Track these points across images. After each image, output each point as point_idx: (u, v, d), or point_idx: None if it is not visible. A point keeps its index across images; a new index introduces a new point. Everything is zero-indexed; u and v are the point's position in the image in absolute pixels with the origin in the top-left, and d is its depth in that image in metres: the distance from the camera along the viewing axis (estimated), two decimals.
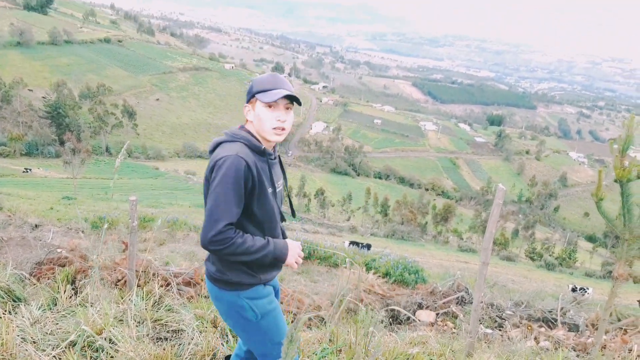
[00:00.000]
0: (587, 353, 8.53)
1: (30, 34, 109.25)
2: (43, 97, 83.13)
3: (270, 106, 2.07)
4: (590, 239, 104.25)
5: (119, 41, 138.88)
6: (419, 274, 14.59)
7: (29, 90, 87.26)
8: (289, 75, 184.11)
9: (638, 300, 22.61)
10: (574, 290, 23.61)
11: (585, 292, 22.91)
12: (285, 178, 2.34)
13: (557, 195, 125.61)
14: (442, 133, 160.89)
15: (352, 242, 21.09)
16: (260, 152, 2.09)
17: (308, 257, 15.00)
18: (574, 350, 8.80)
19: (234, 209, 1.95)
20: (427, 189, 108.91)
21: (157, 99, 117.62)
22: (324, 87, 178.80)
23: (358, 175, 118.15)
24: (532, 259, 71.18)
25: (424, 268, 17.40)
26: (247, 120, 2.19)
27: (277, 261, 2.09)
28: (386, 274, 14.83)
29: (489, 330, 9.00)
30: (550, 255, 72.51)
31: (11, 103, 79.98)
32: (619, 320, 10.86)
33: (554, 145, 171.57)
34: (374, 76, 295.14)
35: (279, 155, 2.30)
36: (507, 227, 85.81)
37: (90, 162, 76.03)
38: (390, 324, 10.64)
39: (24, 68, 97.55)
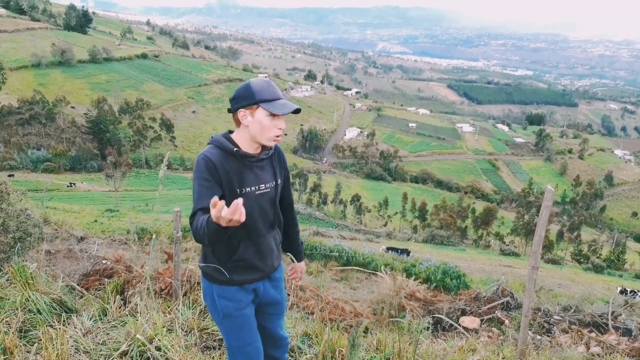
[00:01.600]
0: None
1: (71, 53, 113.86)
2: (85, 114, 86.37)
3: (273, 116, 2.12)
4: (639, 239, 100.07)
5: (156, 56, 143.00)
6: (461, 279, 14.28)
7: (72, 107, 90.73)
8: (322, 82, 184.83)
9: None
10: (623, 292, 22.62)
11: (636, 294, 21.94)
12: (278, 180, 2.32)
13: (602, 195, 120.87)
14: (480, 134, 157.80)
15: (390, 248, 20.86)
16: (231, 153, 2.14)
17: (348, 263, 14.94)
18: (628, 356, 8.43)
19: (199, 201, 2.01)
20: (466, 192, 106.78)
21: (194, 111, 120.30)
22: (356, 92, 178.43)
23: (394, 180, 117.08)
24: (578, 261, 68.73)
25: (465, 273, 17.05)
26: (239, 125, 2.20)
27: (215, 226, 1.79)
28: (427, 280, 14.58)
29: (537, 336, 8.72)
30: (597, 257, 69.81)
31: (55, 120, 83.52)
32: None
33: (598, 143, 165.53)
34: (408, 79, 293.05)
35: (271, 157, 2.31)
36: (551, 229, 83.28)
37: (131, 175, 78.23)
38: (434, 331, 10.47)
39: (66, 86, 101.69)
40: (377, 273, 14.94)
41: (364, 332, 7.95)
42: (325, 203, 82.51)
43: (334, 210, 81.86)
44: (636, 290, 22.52)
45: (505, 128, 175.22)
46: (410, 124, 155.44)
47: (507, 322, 10.14)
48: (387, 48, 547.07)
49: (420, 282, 14.41)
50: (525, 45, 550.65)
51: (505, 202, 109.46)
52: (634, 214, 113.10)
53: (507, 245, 72.58)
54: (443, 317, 10.00)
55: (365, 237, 50.14)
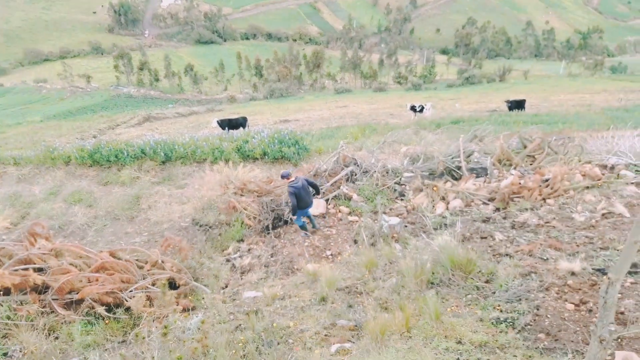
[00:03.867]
0: (506, 203, 6.65)
1: None
2: None
3: None
4: (444, 51, 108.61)
5: None
6: (299, 144, 12.04)
7: None
8: None
9: (505, 101, 21.71)
10: (412, 108, 22.78)
11: (424, 108, 22.16)
12: None
13: (410, 18, 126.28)
14: None
15: (222, 121, 17.72)
16: None
17: (168, 159, 11.73)
18: (490, 203, 6.91)
19: None
20: (294, 40, 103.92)
21: None
22: None
23: (225, 40, 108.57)
24: (399, 83, 72.45)
25: (304, 133, 14.92)
26: None
27: None
28: (264, 154, 12.15)
29: (394, 220, 6.82)
30: (414, 76, 74.17)
31: None
32: (525, 147, 9.25)
33: None
34: None
35: None
36: (373, 60, 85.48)
37: None
38: (274, 227, 8.17)
39: None
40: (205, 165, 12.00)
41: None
42: (157, 80, 73.74)
43: (169, 86, 74.01)
44: (423, 105, 22.78)
45: None
46: None
47: (355, 196, 8.12)
48: None
49: (255, 160, 11.79)
50: None
51: (331, 42, 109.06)
52: (437, 30, 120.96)
53: (339, 83, 73.27)
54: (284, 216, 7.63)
55: (206, 108, 45.81)
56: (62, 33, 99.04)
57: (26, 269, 5.72)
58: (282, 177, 7.09)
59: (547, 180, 6.91)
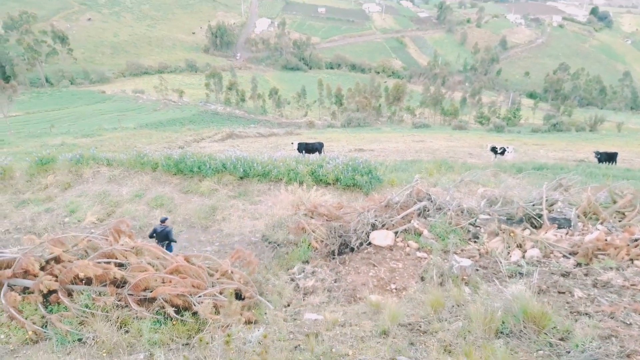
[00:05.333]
0: (589, 259, 6.23)
1: None
2: None
3: None
4: (531, 95, 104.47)
5: None
6: (372, 173, 12.09)
7: None
8: None
9: (594, 152, 20.47)
10: (493, 149, 21.80)
11: (505, 150, 21.12)
12: None
13: (498, 59, 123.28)
14: (386, 13, 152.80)
15: (300, 144, 18.23)
16: None
17: (246, 175, 12.24)
18: (571, 257, 6.50)
19: None
20: (377, 72, 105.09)
21: (89, 19, 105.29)
22: None
23: (310, 68, 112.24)
24: (481, 123, 70.54)
25: (378, 163, 14.94)
26: None
27: None
28: (336, 180, 12.31)
29: (465, 262, 6.61)
30: (497, 117, 71.93)
31: None
32: (614, 202, 8.64)
33: (493, 10, 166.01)
34: None
35: None
36: (455, 97, 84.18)
37: (32, 96, 68.73)
38: (340, 253, 8.18)
39: None
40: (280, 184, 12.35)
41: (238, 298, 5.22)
42: (243, 100, 77.45)
43: (253, 106, 77.43)
44: (505, 147, 21.72)
45: (409, 4, 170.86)
46: (319, 9, 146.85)
47: (425, 232, 7.97)
48: None
49: (328, 185, 11.93)
50: None
51: (414, 77, 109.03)
52: (526, 74, 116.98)
53: (418, 117, 72.76)
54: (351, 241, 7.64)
55: (286, 131, 47.27)
56: (163, 49, 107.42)
57: (108, 263, 6.17)
58: (161, 221, 8.03)
59: (636, 240, 6.40)
